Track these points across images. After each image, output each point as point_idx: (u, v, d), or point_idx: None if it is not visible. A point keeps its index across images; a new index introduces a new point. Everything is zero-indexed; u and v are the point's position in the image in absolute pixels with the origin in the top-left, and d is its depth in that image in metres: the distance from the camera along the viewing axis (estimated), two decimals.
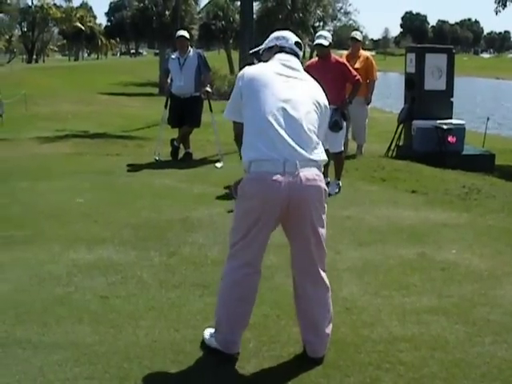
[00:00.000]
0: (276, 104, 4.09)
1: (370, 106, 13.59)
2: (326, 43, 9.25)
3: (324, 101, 4.34)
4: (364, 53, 13.19)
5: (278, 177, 3.95)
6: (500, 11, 21.99)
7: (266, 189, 3.99)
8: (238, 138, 4.35)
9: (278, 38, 4.55)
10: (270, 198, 4.00)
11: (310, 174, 4.04)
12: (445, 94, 13.30)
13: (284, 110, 4.08)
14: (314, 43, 9.60)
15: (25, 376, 4.06)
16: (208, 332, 4.49)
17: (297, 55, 4.50)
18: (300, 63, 4.48)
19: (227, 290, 4.29)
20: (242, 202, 4.17)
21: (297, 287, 4.37)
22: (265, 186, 4.00)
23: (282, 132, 4.02)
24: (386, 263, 6.27)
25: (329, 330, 4.37)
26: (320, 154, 4.15)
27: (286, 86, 4.20)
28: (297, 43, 4.54)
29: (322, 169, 4.21)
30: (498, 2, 21.81)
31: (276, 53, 4.47)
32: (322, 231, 4.23)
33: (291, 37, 4.55)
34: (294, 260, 4.34)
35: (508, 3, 21.69)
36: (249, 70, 4.34)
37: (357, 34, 13.33)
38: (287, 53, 4.45)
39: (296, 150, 4.01)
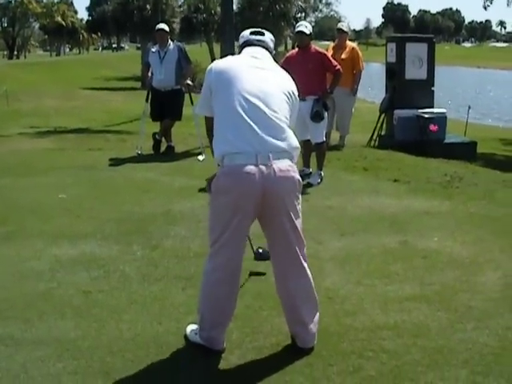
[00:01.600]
0: (246, 96, 4.08)
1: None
2: (307, 31, 9.23)
3: (294, 90, 4.34)
4: (350, 44, 13.19)
5: (251, 169, 3.94)
6: (489, 5, 22.09)
7: (241, 182, 3.99)
8: (209, 133, 4.36)
9: (243, 36, 4.58)
10: (245, 190, 3.99)
11: (283, 165, 4.04)
12: (426, 83, 13.35)
13: (254, 101, 4.08)
14: (295, 30, 9.59)
15: (7, 373, 4.05)
16: (190, 329, 4.48)
17: (265, 47, 4.48)
18: (270, 55, 4.48)
19: (209, 288, 4.26)
20: (217, 197, 4.15)
21: (278, 280, 4.37)
22: (239, 179, 3.99)
23: (253, 124, 4.01)
24: (368, 252, 6.29)
25: (316, 319, 4.38)
26: (291, 143, 4.14)
27: (256, 77, 4.20)
28: (261, 33, 4.54)
29: (296, 159, 4.21)
30: None
31: (244, 47, 4.50)
32: (299, 221, 4.23)
33: (258, 31, 4.58)
34: (273, 253, 4.34)
35: None
36: (217, 64, 4.37)
37: (343, 25, 13.32)
38: (255, 45, 4.46)
39: (268, 142, 4.00)
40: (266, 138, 4.01)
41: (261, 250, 5.39)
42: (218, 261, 4.19)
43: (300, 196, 4.27)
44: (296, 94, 4.37)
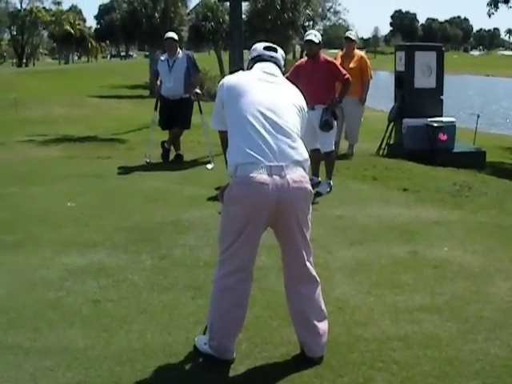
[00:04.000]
0: (258, 107, 4.13)
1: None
2: (316, 40, 9.23)
3: (304, 105, 4.42)
4: (358, 52, 13.17)
5: (265, 179, 3.96)
6: (493, 13, 22.00)
7: (254, 192, 3.99)
8: (224, 146, 4.41)
9: (255, 49, 4.62)
10: (258, 201, 4.01)
11: (296, 176, 4.06)
12: (435, 91, 13.32)
13: (266, 112, 4.12)
14: (304, 39, 9.58)
15: (16, 382, 4.05)
16: (200, 339, 4.47)
17: (277, 64, 4.54)
18: (280, 71, 4.53)
19: (220, 296, 4.26)
20: (230, 207, 4.15)
21: (288, 288, 4.38)
22: (252, 190, 3.99)
23: (266, 134, 4.05)
24: (377, 262, 6.27)
25: (324, 327, 4.37)
26: (303, 154, 4.17)
27: (267, 91, 4.27)
28: (274, 49, 4.59)
29: (307, 170, 4.22)
30: (490, 5, 21.82)
31: (256, 62, 4.54)
32: (308, 232, 4.27)
33: (272, 46, 4.62)
34: (284, 261, 4.35)
35: (500, 4, 21.72)
36: (229, 79, 4.42)
37: (351, 34, 13.29)
38: (266, 61, 4.51)
39: (281, 152, 4.03)
40: (279, 148, 4.03)
41: None
42: (227, 269, 4.19)
43: (311, 206, 4.28)
44: (305, 109, 4.43)
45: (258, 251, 4.27)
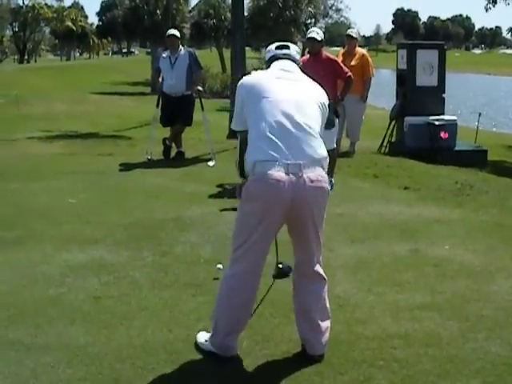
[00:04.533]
0: (278, 106, 4.11)
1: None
2: (318, 38, 9.22)
3: (325, 101, 4.39)
4: (360, 50, 13.18)
5: (282, 177, 3.95)
6: (490, 8, 21.99)
7: (271, 189, 3.98)
8: (242, 146, 4.37)
9: (269, 51, 4.60)
10: (274, 198, 3.99)
11: (314, 175, 4.04)
12: (436, 89, 13.31)
13: (286, 111, 4.10)
14: (307, 37, 9.57)
15: (17, 378, 4.05)
16: (202, 336, 4.47)
17: (292, 60, 4.50)
18: (297, 66, 4.50)
19: (229, 294, 4.25)
20: (247, 203, 4.14)
21: (296, 284, 4.40)
22: (269, 187, 3.98)
23: (285, 133, 4.04)
24: (378, 260, 6.27)
25: (326, 326, 4.37)
26: (322, 152, 4.15)
27: (287, 88, 4.24)
28: (286, 47, 4.57)
29: (326, 168, 4.19)
30: (489, 0, 21.80)
31: (272, 61, 4.52)
32: (321, 230, 4.29)
33: (284, 44, 4.60)
34: (295, 258, 4.37)
35: (498, 0, 21.68)
36: (247, 79, 4.39)
37: (353, 32, 13.29)
38: (281, 59, 4.48)
39: (299, 151, 4.02)
40: (297, 146, 4.03)
41: (280, 266, 5.25)
42: (238, 267, 4.17)
43: (326, 206, 4.27)
44: (326, 104, 4.40)
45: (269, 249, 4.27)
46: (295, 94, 4.23)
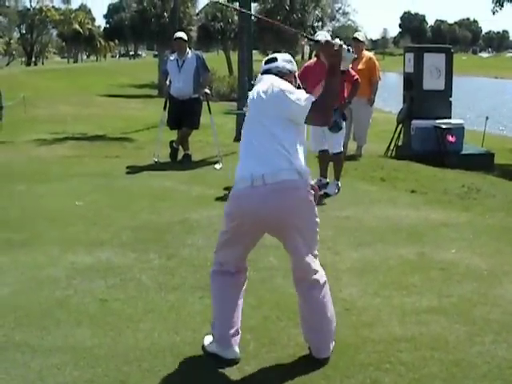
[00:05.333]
0: (252, 121, 4.27)
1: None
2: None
3: (278, 92, 4.22)
4: (367, 53, 13.18)
5: (247, 192, 4.10)
6: (497, 11, 21.91)
7: (238, 205, 4.19)
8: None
9: (265, 63, 4.56)
10: (242, 213, 4.17)
11: (279, 185, 4.06)
12: (443, 93, 13.28)
13: (257, 126, 4.20)
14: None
15: (23, 380, 4.06)
16: (208, 339, 4.50)
17: (275, 73, 4.42)
18: (277, 78, 4.39)
19: (215, 293, 4.46)
20: (225, 219, 4.35)
21: (296, 290, 4.41)
22: (236, 203, 4.20)
23: (251, 148, 4.19)
24: (385, 263, 6.26)
25: (331, 329, 4.37)
26: (290, 159, 4.11)
27: (257, 101, 4.27)
28: (272, 60, 4.53)
29: (300, 172, 4.13)
30: (496, 2, 21.73)
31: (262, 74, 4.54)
32: (312, 235, 4.29)
33: (278, 57, 4.54)
34: (290, 264, 4.40)
35: (505, 3, 21.62)
36: (250, 92, 4.48)
37: (359, 35, 13.27)
38: (271, 74, 4.43)
39: (262, 164, 4.09)
40: (260, 160, 4.11)
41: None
42: (217, 259, 4.43)
43: (315, 209, 4.25)
44: (285, 91, 4.21)
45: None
46: (261, 104, 4.23)
